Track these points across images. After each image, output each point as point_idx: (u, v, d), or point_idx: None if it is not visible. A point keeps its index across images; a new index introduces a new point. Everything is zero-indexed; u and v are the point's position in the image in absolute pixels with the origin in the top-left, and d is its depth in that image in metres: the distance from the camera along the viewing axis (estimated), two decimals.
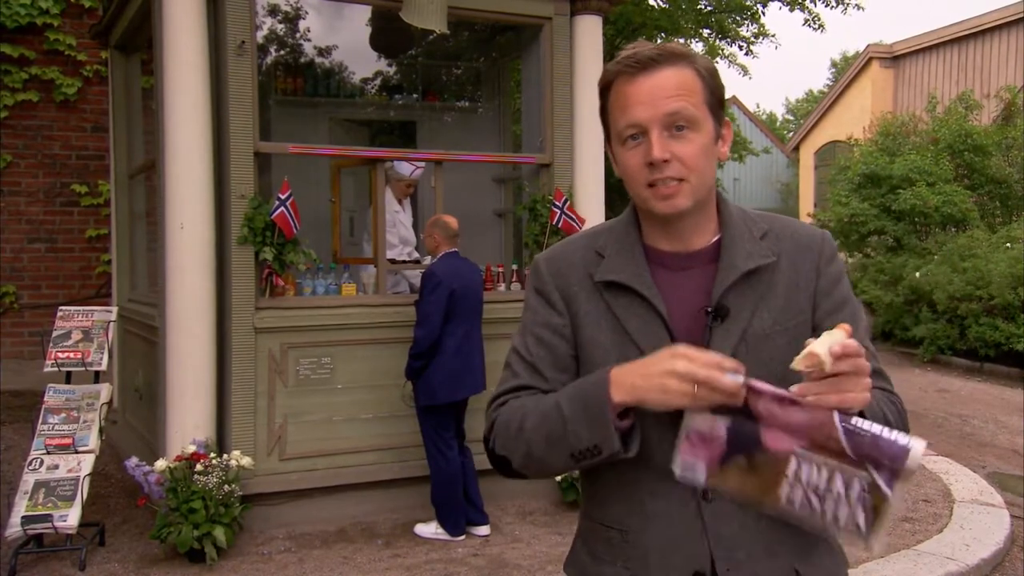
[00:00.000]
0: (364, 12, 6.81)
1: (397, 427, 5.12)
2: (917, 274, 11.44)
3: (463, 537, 4.79)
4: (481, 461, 4.87)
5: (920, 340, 11.17)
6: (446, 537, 4.77)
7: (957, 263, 11.03)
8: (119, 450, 6.12)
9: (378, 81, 7.97)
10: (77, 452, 4.60)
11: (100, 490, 5.40)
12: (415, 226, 6.40)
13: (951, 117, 13.86)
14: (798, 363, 1.23)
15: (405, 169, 6.12)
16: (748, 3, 12.17)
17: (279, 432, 4.90)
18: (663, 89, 1.38)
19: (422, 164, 6.11)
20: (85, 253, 8.93)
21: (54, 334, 5.00)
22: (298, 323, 4.95)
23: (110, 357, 5.07)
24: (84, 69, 8.78)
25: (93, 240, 8.90)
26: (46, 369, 4.92)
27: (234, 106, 4.83)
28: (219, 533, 4.33)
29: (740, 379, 1.27)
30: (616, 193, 11.84)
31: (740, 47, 13.05)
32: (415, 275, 5.70)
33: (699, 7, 12.29)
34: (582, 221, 5.40)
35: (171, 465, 4.48)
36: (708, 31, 12.75)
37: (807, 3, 12.08)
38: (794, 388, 1.26)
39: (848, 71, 21.60)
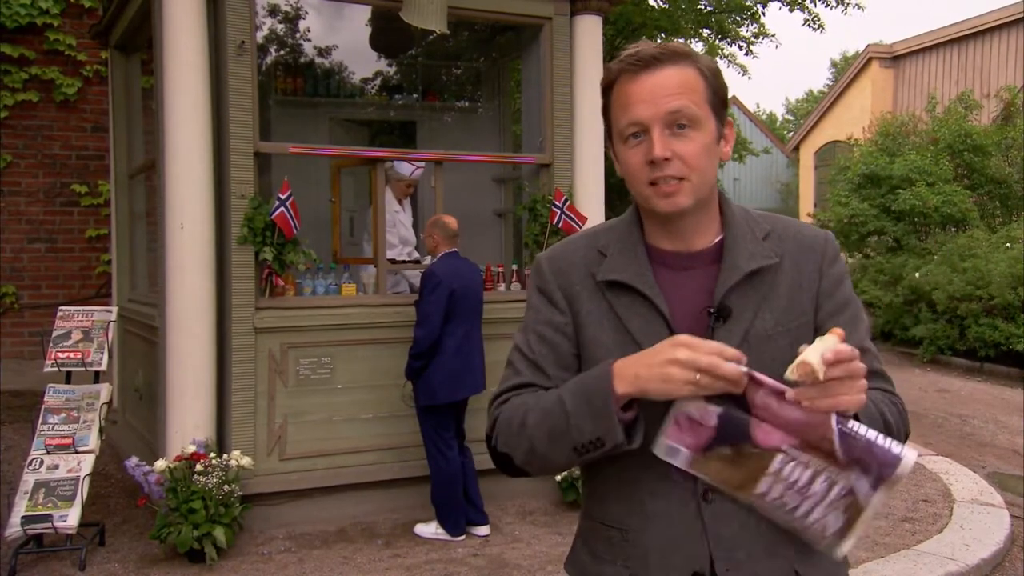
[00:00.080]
0: (364, 12, 6.81)
1: (397, 427, 5.12)
2: (917, 274, 11.43)
3: (463, 537, 4.79)
4: (481, 461, 4.87)
5: (920, 340, 11.17)
6: (446, 537, 4.77)
7: (957, 263, 11.03)
8: (119, 450, 6.12)
9: (378, 81, 7.97)
10: (77, 452, 4.60)
11: (100, 490, 5.40)
12: (415, 226, 6.40)
13: (951, 117, 13.87)
14: (791, 373, 1.23)
15: (405, 169, 6.12)
16: (748, 3, 12.17)
17: (279, 432, 4.90)
18: (665, 87, 1.38)
19: (422, 164, 6.11)
20: (85, 253, 8.93)
21: (54, 334, 5.00)
22: (298, 323, 4.95)
23: (110, 357, 5.07)
24: (84, 69, 8.78)
25: (93, 240, 8.90)
26: (46, 369, 4.92)
27: (234, 106, 4.83)
28: (219, 533, 4.33)
29: (743, 368, 1.27)
30: (616, 193, 11.84)
31: (740, 47, 13.05)
32: (415, 275, 5.70)
33: (699, 7, 12.29)
34: (583, 220, 5.40)
35: (171, 465, 4.48)
36: (708, 31, 12.75)
37: (807, 3, 12.08)
38: (789, 394, 1.26)
39: (848, 71, 21.61)
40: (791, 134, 29.55)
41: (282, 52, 7.74)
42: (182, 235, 4.73)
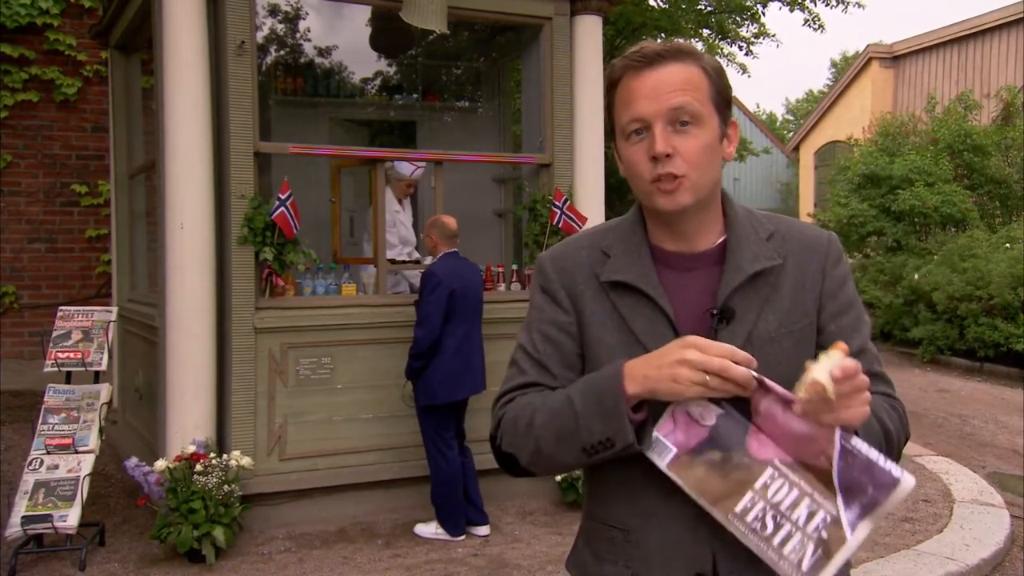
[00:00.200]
0: (364, 12, 6.81)
1: (397, 427, 5.12)
2: (916, 275, 11.43)
3: (463, 537, 4.79)
4: (481, 461, 4.88)
5: (919, 340, 11.17)
6: (446, 537, 4.77)
7: (957, 263, 11.03)
8: (119, 450, 6.12)
9: (378, 81, 7.97)
10: (77, 452, 4.60)
11: (100, 490, 5.40)
12: (415, 226, 6.40)
13: (950, 117, 13.87)
14: (801, 392, 1.21)
15: (405, 169, 6.12)
16: (748, 3, 12.18)
17: (279, 432, 4.90)
18: (668, 84, 1.38)
19: (422, 164, 6.11)
20: (85, 253, 8.93)
21: (54, 334, 5.00)
22: (298, 323, 4.95)
23: (110, 357, 5.07)
24: (84, 69, 8.78)
25: (93, 240, 8.90)
26: (46, 369, 4.92)
27: (234, 106, 4.83)
28: (218, 533, 4.33)
29: (752, 373, 1.26)
30: (616, 193, 11.84)
31: (740, 47, 13.06)
32: (415, 275, 5.70)
33: (699, 7, 12.30)
34: (583, 220, 5.40)
35: (171, 465, 4.48)
36: (708, 31, 12.76)
37: (807, 3, 12.08)
38: (797, 407, 1.25)
39: (848, 71, 21.61)
40: (791, 134, 29.55)
41: (282, 52, 7.74)
42: (182, 235, 4.73)
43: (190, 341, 4.73)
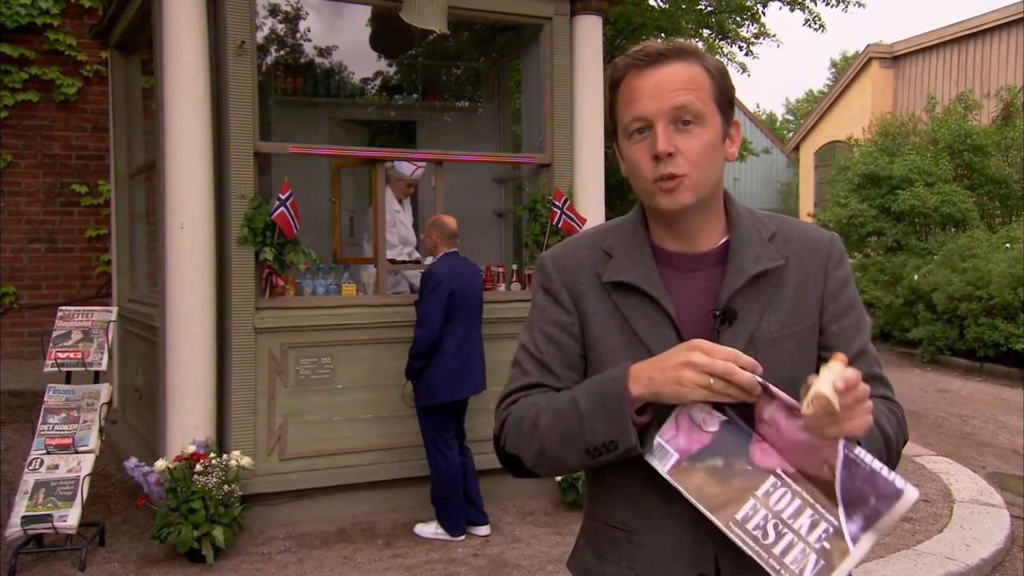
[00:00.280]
0: (364, 12, 6.81)
1: (397, 427, 5.12)
2: (916, 276, 11.43)
3: (463, 537, 4.79)
4: (481, 461, 4.87)
5: (919, 341, 11.17)
6: (446, 537, 4.77)
7: (957, 263, 11.03)
8: (119, 450, 6.12)
9: (378, 81, 7.97)
10: (77, 452, 4.60)
11: (100, 490, 5.40)
12: (415, 226, 6.40)
13: (950, 117, 13.87)
14: (806, 407, 1.20)
15: (406, 169, 6.12)
16: (748, 3, 12.18)
17: (279, 432, 4.90)
18: (670, 83, 1.37)
19: (422, 164, 6.11)
20: (85, 253, 8.93)
21: (54, 334, 5.00)
22: (298, 323, 4.95)
23: (110, 357, 5.07)
24: (84, 69, 8.78)
25: (93, 240, 8.90)
26: (46, 369, 4.92)
27: (234, 106, 4.83)
28: (218, 533, 4.33)
29: (757, 378, 1.26)
30: (616, 193, 11.83)
31: (740, 47, 13.06)
32: (415, 275, 5.69)
33: (699, 7, 12.30)
34: (582, 221, 5.40)
35: (171, 465, 4.48)
36: (708, 31, 12.76)
37: (807, 2, 12.09)
38: (804, 422, 1.24)
39: (848, 71, 21.61)
40: (791, 134, 29.55)
41: (282, 52, 7.74)
42: (182, 235, 4.73)
43: (190, 341, 4.73)
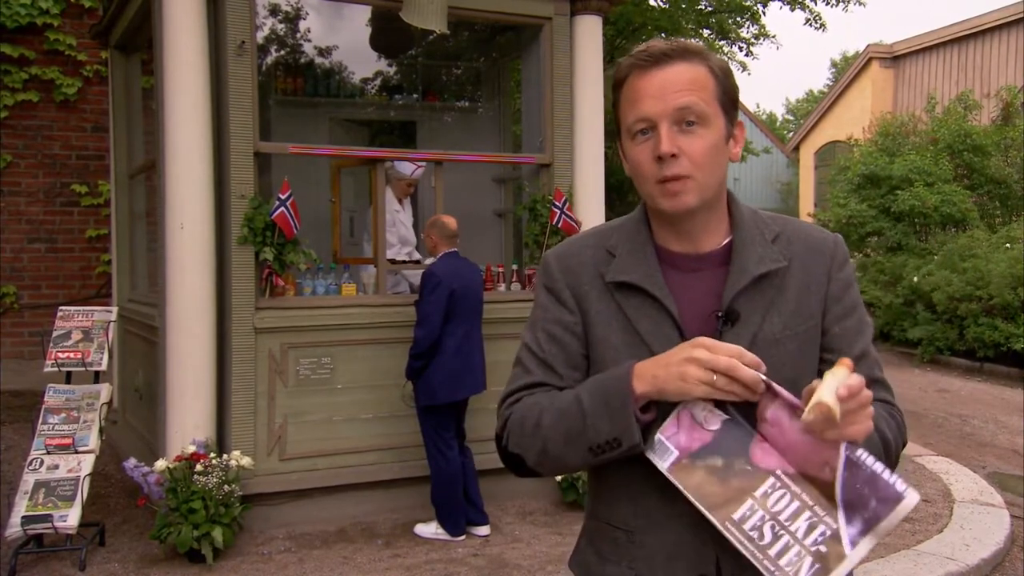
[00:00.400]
0: (364, 12, 6.81)
1: (397, 427, 5.12)
2: (915, 278, 11.43)
3: (463, 537, 4.79)
4: (481, 461, 4.88)
5: (919, 341, 11.17)
6: (446, 537, 4.77)
7: (957, 263, 11.03)
8: (119, 450, 6.12)
9: (378, 81, 7.97)
10: (77, 452, 4.60)
11: (100, 490, 5.40)
12: (415, 226, 6.40)
13: (950, 117, 13.87)
14: (808, 415, 1.20)
15: (406, 168, 6.12)
16: (748, 3, 12.18)
17: (279, 432, 4.90)
18: (674, 84, 1.37)
19: (422, 163, 6.11)
20: (85, 253, 8.93)
21: (54, 334, 5.00)
22: (298, 323, 4.95)
23: (110, 357, 5.07)
24: (84, 69, 8.78)
25: (93, 240, 8.90)
26: (46, 369, 4.92)
27: (234, 106, 4.83)
28: (217, 534, 4.32)
29: (761, 376, 1.26)
30: (616, 193, 11.83)
31: (740, 47, 13.07)
32: (415, 275, 5.69)
33: (699, 7, 12.31)
34: (579, 224, 5.40)
35: (171, 465, 4.48)
36: (708, 31, 12.77)
37: (807, 2, 12.09)
38: (804, 423, 1.24)
39: (848, 71, 21.61)
40: (791, 134, 29.56)
41: (282, 52, 7.74)
42: (182, 235, 4.73)
43: (190, 341, 4.73)
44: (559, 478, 5.19)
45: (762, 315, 1.41)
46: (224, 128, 4.87)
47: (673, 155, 1.36)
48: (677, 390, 1.28)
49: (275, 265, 4.85)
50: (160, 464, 4.50)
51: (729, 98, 1.42)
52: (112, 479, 5.71)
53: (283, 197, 4.77)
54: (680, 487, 1.30)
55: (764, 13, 12.54)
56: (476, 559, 4.53)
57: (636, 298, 1.44)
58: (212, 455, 4.53)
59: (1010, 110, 14.32)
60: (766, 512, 1.26)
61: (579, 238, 1.57)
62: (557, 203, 5.40)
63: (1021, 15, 16.18)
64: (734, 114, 1.44)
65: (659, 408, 1.34)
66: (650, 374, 1.31)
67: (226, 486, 4.42)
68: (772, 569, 1.24)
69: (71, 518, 4.36)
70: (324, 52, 7.68)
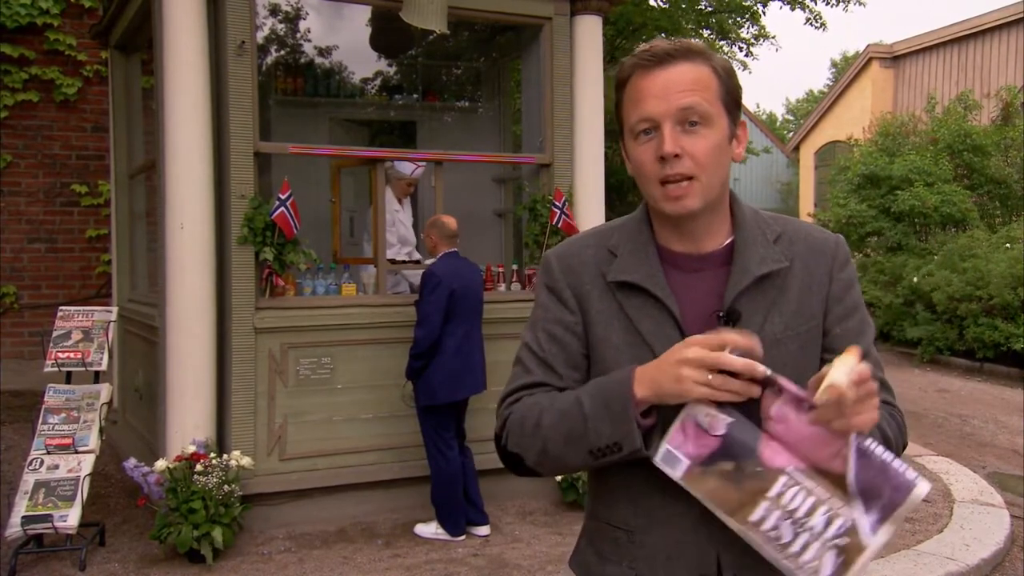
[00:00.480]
0: (364, 12, 6.81)
1: (397, 427, 5.12)
2: (915, 278, 11.43)
3: (463, 537, 4.79)
4: (481, 461, 4.88)
5: (919, 341, 11.17)
6: (446, 537, 4.77)
7: (957, 263, 11.03)
8: (119, 450, 6.12)
9: (378, 81, 7.97)
10: (77, 452, 4.60)
11: (100, 490, 5.40)
12: (415, 226, 6.40)
13: (950, 117, 13.86)
14: (822, 395, 1.20)
15: (406, 168, 6.12)
16: (748, 3, 12.19)
17: (279, 432, 4.90)
18: (677, 84, 1.37)
19: (422, 163, 6.11)
20: (85, 253, 8.93)
21: (54, 334, 5.00)
22: (298, 323, 4.95)
23: (110, 357, 5.07)
24: (84, 69, 8.78)
25: (93, 240, 8.90)
26: (46, 369, 4.92)
27: (234, 106, 4.83)
28: (217, 534, 4.32)
29: (767, 371, 1.25)
30: (616, 193, 11.83)
31: (740, 48, 13.07)
32: (415, 275, 5.69)
33: (699, 7, 12.31)
34: (575, 229, 5.40)
35: (171, 465, 4.48)
36: (708, 31, 12.77)
37: (807, 1, 12.10)
38: (813, 409, 1.24)
39: (848, 71, 21.61)
40: (791, 134, 29.55)
41: (282, 52, 7.74)
42: (182, 235, 4.73)
43: (190, 341, 4.73)
44: (559, 478, 5.19)
45: (763, 315, 1.41)
46: (224, 128, 4.87)
47: (676, 155, 1.36)
48: (675, 392, 1.28)
49: (275, 265, 4.85)
50: (160, 464, 4.50)
51: (732, 98, 1.42)
52: (112, 479, 5.71)
53: (283, 197, 4.77)
54: (697, 495, 1.29)
55: (764, 13, 12.55)
56: (476, 559, 4.53)
57: (638, 298, 1.44)
58: (212, 455, 4.53)
59: (1010, 110, 14.32)
60: (782, 511, 1.26)
61: (580, 238, 1.57)
62: (557, 203, 5.40)
63: (1021, 15, 16.18)
64: (737, 114, 1.44)
65: (660, 412, 1.34)
66: (649, 378, 1.31)
67: (226, 486, 4.42)
68: (794, 568, 1.24)
69: (71, 518, 4.36)
70: (324, 52, 7.68)
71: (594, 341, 1.46)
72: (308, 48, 7.70)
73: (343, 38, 7.55)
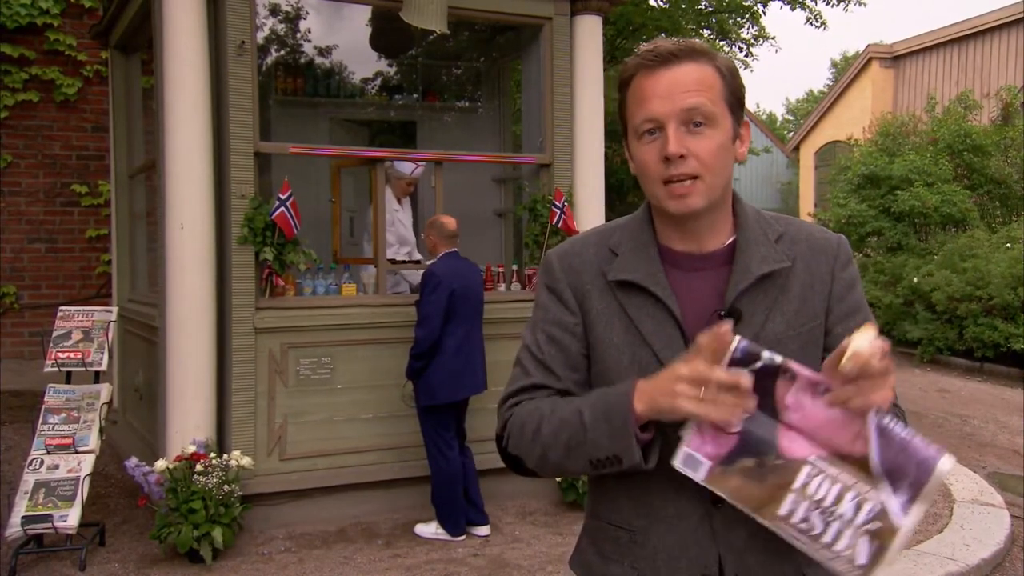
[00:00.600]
0: (364, 12, 6.81)
1: (397, 427, 5.12)
2: (915, 278, 11.43)
3: (463, 537, 4.79)
4: (482, 461, 4.88)
5: (919, 341, 11.17)
6: (446, 537, 4.77)
7: (957, 263, 11.03)
8: (119, 450, 6.12)
9: (378, 81, 7.97)
10: (77, 452, 4.60)
11: (100, 490, 5.40)
12: (415, 226, 6.40)
13: (950, 117, 13.86)
14: (845, 365, 1.19)
15: (406, 168, 6.12)
16: (748, 3, 12.19)
17: (279, 432, 4.90)
18: (682, 84, 1.36)
19: (422, 163, 6.11)
20: (85, 253, 8.93)
21: (54, 334, 5.00)
22: (298, 323, 4.95)
23: (110, 357, 5.07)
24: (84, 69, 8.78)
25: (93, 240, 8.90)
26: (46, 369, 4.92)
27: (234, 106, 4.83)
28: (216, 534, 4.32)
29: (778, 358, 1.25)
30: (616, 193, 11.83)
31: (740, 48, 13.07)
32: (415, 275, 5.69)
33: (699, 7, 12.31)
34: (575, 229, 5.39)
35: (171, 465, 4.48)
36: (708, 31, 12.77)
37: (808, 1, 12.10)
38: (830, 393, 1.23)
39: (848, 71, 21.60)
40: (791, 134, 29.56)
41: (282, 52, 7.74)
42: (182, 235, 4.73)
43: (190, 341, 4.73)
44: (559, 478, 5.19)
45: (765, 315, 1.41)
46: (224, 128, 4.87)
47: (681, 156, 1.36)
48: (668, 407, 1.27)
49: (275, 265, 4.85)
50: (160, 464, 4.50)
51: (736, 98, 1.42)
52: (112, 479, 5.71)
53: (283, 197, 4.77)
54: (724, 496, 1.27)
55: (764, 13, 12.55)
56: (476, 559, 4.53)
57: (638, 297, 1.44)
58: (212, 455, 4.53)
59: (1010, 110, 14.32)
60: (810, 501, 1.24)
61: (582, 237, 1.56)
62: (557, 203, 5.40)
63: (1021, 15, 16.18)
64: (740, 114, 1.44)
65: (659, 426, 1.33)
66: (647, 393, 1.30)
67: (226, 486, 4.42)
68: (831, 558, 1.22)
69: (71, 518, 4.36)
70: (324, 52, 7.68)
71: (594, 341, 1.46)
72: (308, 48, 7.70)
73: (343, 38, 7.55)
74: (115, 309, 5.50)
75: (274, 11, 7.45)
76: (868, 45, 20.27)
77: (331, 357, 5.03)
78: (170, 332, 4.78)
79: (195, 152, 4.75)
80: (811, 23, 12.45)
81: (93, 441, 4.66)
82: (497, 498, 5.18)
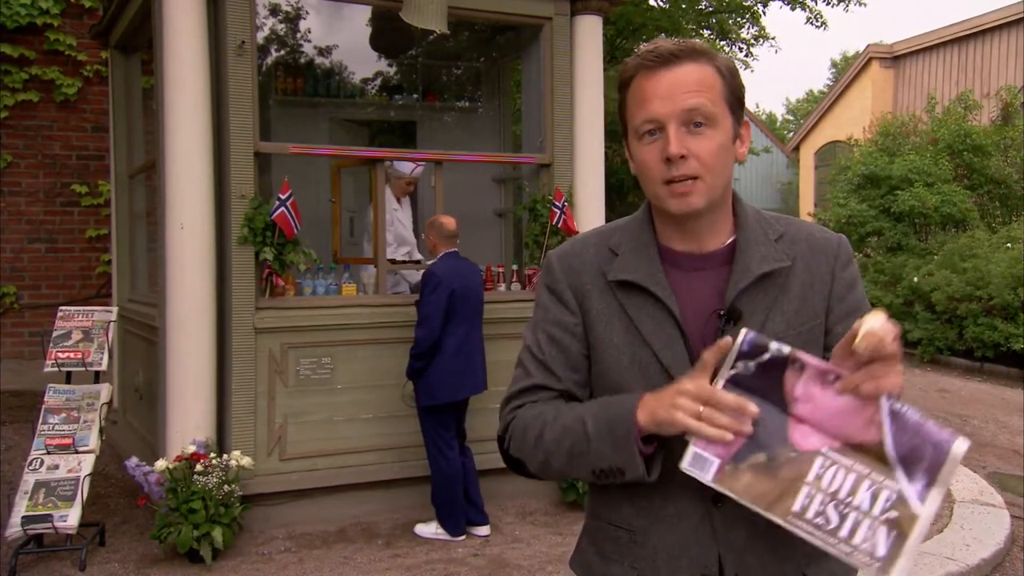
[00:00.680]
0: (364, 12, 6.81)
1: (397, 427, 5.12)
2: (915, 278, 11.43)
3: (463, 537, 4.79)
4: (482, 461, 4.88)
5: (919, 341, 11.17)
6: (446, 537, 4.77)
7: (957, 263, 11.03)
8: (119, 450, 6.12)
9: (378, 81, 7.97)
10: (77, 452, 4.60)
11: (100, 490, 5.40)
12: (415, 226, 6.40)
13: (950, 117, 13.86)
14: (860, 344, 1.17)
15: (406, 167, 6.12)
16: (748, 3, 12.19)
17: (279, 432, 4.90)
18: (682, 84, 1.37)
19: (422, 163, 6.11)
20: (85, 253, 8.93)
21: (54, 334, 5.00)
22: (298, 323, 4.95)
23: (110, 357, 5.07)
24: (84, 69, 8.77)
25: (93, 240, 8.90)
26: (46, 369, 4.92)
27: (234, 106, 4.83)
28: (216, 534, 4.32)
29: (786, 349, 1.24)
30: (616, 193, 11.83)
31: (740, 48, 13.07)
32: (415, 275, 5.69)
33: (699, 7, 12.31)
34: (575, 229, 5.39)
35: (171, 465, 4.48)
36: (708, 32, 12.77)
37: (808, 1, 12.10)
38: (837, 387, 1.22)
39: (848, 71, 21.60)
40: (791, 134, 29.56)
41: (282, 52, 7.74)
42: (182, 235, 4.73)
43: (190, 341, 4.73)
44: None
45: (765, 314, 1.41)
46: (224, 128, 4.87)
47: (682, 156, 1.36)
48: (667, 420, 1.27)
49: (275, 265, 4.85)
50: (160, 464, 4.50)
51: (736, 98, 1.42)
52: (112, 479, 5.72)
53: (283, 197, 4.77)
54: (732, 495, 1.24)
55: (764, 13, 12.56)
56: (476, 559, 4.53)
57: (638, 297, 1.44)
58: (212, 455, 4.53)
59: (1010, 110, 14.32)
60: (824, 494, 1.21)
61: (582, 238, 1.57)
62: (557, 203, 5.40)
63: (1021, 15, 16.18)
64: (741, 114, 1.44)
65: (661, 438, 1.33)
66: (651, 406, 1.30)
67: (226, 486, 4.42)
68: (849, 551, 1.19)
69: (71, 518, 4.36)
70: (324, 52, 7.68)
71: (595, 341, 1.46)
72: (308, 48, 7.70)
73: (343, 38, 7.56)
74: (115, 309, 5.50)
75: (274, 11, 7.45)
76: (868, 45, 20.28)
77: (331, 357, 5.03)
78: (170, 332, 4.78)
79: (195, 152, 4.75)
80: (811, 23, 12.46)
81: (93, 441, 4.66)
82: (497, 498, 5.18)
